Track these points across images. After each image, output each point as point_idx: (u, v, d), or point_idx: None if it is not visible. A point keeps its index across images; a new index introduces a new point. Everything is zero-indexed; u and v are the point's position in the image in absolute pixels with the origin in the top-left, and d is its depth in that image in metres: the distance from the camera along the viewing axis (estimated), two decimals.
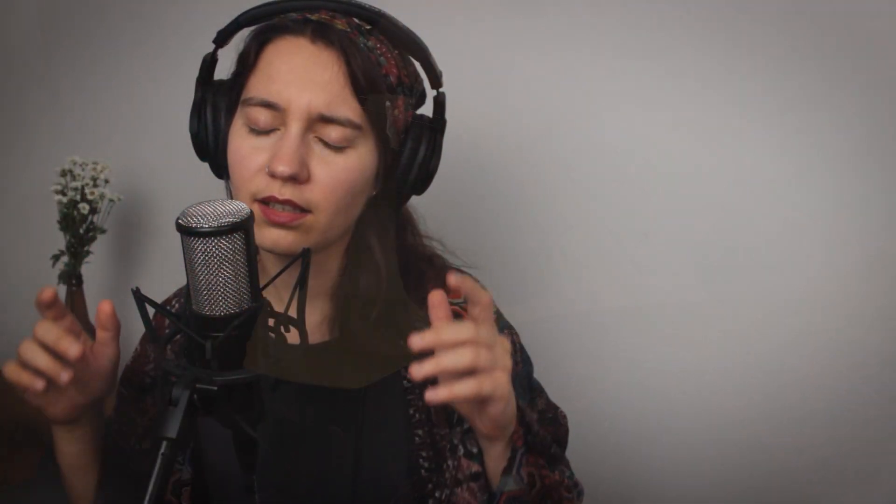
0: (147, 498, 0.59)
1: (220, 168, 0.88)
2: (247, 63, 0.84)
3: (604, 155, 1.36)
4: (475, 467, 0.84)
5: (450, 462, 0.86)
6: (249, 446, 0.70)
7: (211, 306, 0.63)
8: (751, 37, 1.24)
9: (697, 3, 1.27)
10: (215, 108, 0.87)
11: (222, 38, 0.87)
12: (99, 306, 0.77)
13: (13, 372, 0.75)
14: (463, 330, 0.72)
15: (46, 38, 1.77)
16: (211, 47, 0.89)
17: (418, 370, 0.69)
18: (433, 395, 0.71)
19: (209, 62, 0.88)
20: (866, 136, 1.21)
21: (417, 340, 0.70)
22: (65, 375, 0.73)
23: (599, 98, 1.35)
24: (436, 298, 0.75)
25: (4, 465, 1.50)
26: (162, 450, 0.61)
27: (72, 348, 0.73)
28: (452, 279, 0.74)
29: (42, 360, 0.74)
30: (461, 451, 0.86)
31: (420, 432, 0.90)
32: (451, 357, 0.70)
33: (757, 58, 1.24)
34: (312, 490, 0.90)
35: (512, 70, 1.39)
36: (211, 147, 0.88)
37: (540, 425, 0.88)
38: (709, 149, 1.30)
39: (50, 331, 0.74)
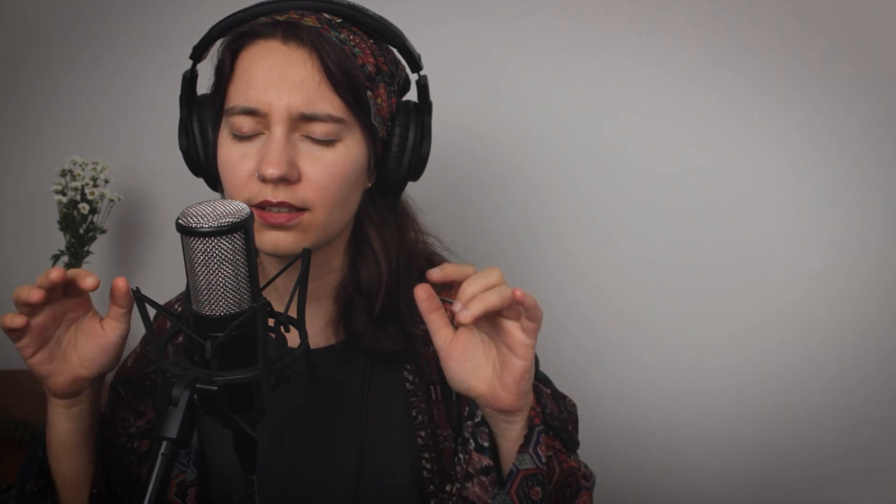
0: (147, 498, 0.59)
1: (215, 181, 0.88)
2: (223, 73, 0.84)
3: (605, 155, 1.37)
4: (486, 461, 0.84)
5: (461, 455, 0.86)
6: (249, 446, 0.70)
7: (211, 306, 0.63)
8: (748, 38, 1.24)
9: (694, 5, 1.27)
10: (201, 122, 0.87)
11: (198, 53, 0.87)
12: (114, 283, 0.79)
13: (2, 319, 0.77)
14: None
15: (46, 38, 1.77)
16: None
17: (463, 300, 0.72)
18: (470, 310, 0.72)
19: (189, 78, 0.88)
20: (865, 137, 1.21)
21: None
22: (34, 293, 0.75)
23: (597, 98, 1.36)
24: (423, 293, 0.77)
25: (4, 465, 1.50)
26: (162, 450, 0.61)
27: (53, 272, 0.75)
28: (434, 275, 0.76)
29: (20, 290, 0.75)
30: (472, 444, 0.85)
31: (422, 434, 0.90)
32: (480, 277, 0.74)
33: (754, 58, 1.25)
34: (314, 491, 0.90)
35: (507, 71, 1.39)
36: (203, 162, 0.88)
37: (553, 402, 0.89)
38: (708, 149, 1.30)
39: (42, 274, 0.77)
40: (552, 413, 0.86)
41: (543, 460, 0.81)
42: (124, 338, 0.83)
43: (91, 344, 0.81)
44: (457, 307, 0.73)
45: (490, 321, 0.77)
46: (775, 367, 1.30)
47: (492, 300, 0.72)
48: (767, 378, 1.31)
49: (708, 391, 1.35)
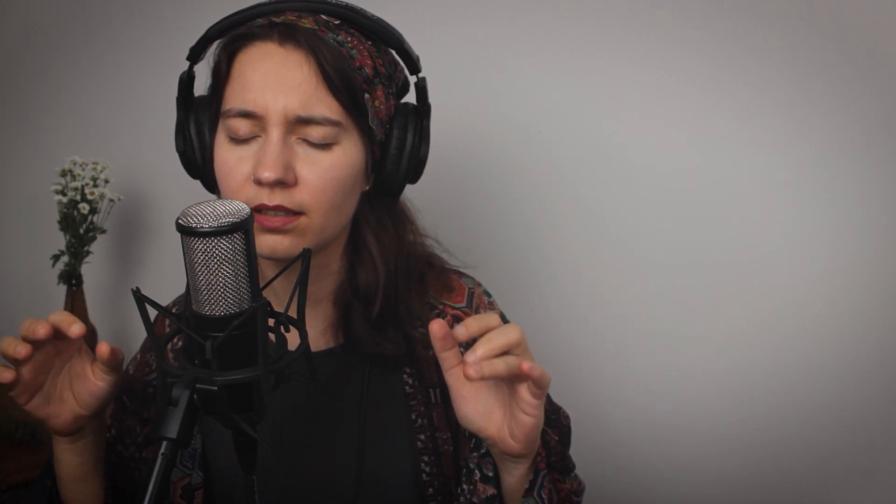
0: (147, 498, 0.59)
1: (212, 183, 0.88)
2: (220, 75, 0.84)
3: (604, 155, 1.36)
4: (491, 491, 0.84)
5: (465, 486, 0.86)
6: (249, 446, 0.70)
7: (211, 306, 0.63)
8: (748, 38, 1.24)
9: (694, 5, 1.27)
10: (198, 125, 0.87)
11: (195, 55, 0.87)
12: (97, 350, 0.77)
13: None
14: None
15: (46, 38, 1.78)
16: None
17: (475, 359, 0.71)
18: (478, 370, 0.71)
19: (186, 80, 0.88)
20: (865, 137, 1.21)
21: (470, 358, 0.71)
22: (21, 349, 0.74)
23: (597, 98, 1.35)
24: (438, 330, 0.75)
25: (4, 465, 1.50)
26: (162, 450, 0.61)
27: (41, 329, 0.73)
28: (461, 335, 0.73)
29: (6, 343, 0.74)
30: (477, 475, 0.85)
31: (422, 437, 0.90)
32: (499, 335, 0.73)
33: (754, 58, 1.25)
34: (314, 492, 0.90)
35: (507, 71, 1.39)
36: (199, 164, 0.88)
37: (560, 445, 0.89)
38: (707, 148, 1.30)
39: (27, 323, 0.75)
40: (556, 455, 0.86)
41: (546, 501, 0.81)
42: (115, 386, 0.81)
43: (82, 388, 0.80)
44: (469, 358, 0.71)
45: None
46: (775, 367, 1.30)
47: (499, 369, 0.71)
48: (767, 379, 1.31)
49: (706, 392, 1.35)
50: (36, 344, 0.75)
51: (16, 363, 0.76)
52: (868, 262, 1.23)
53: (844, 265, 1.24)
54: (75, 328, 0.74)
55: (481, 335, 0.73)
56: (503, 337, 0.72)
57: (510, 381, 0.75)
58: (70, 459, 0.85)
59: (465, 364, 0.71)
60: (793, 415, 1.30)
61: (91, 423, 0.84)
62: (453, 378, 0.77)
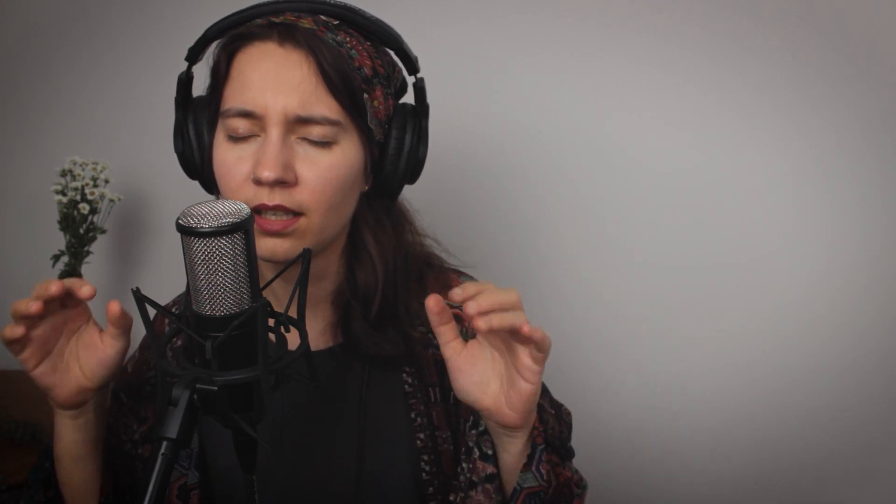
0: (147, 498, 0.59)
1: (211, 184, 0.88)
2: (219, 75, 0.84)
3: (604, 155, 1.37)
4: (490, 469, 0.84)
5: (464, 465, 0.86)
6: (249, 446, 0.70)
7: (211, 306, 0.63)
8: (748, 38, 1.24)
9: (694, 5, 1.27)
10: (197, 125, 0.87)
11: (194, 55, 0.87)
12: (108, 307, 0.78)
13: (2, 331, 0.77)
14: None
15: (46, 38, 1.77)
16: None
17: (477, 309, 0.70)
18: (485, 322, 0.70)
19: (184, 80, 0.88)
20: (865, 136, 1.21)
21: (472, 307, 0.70)
22: (33, 305, 0.74)
23: (597, 98, 1.36)
24: (434, 304, 0.75)
25: (4, 465, 1.50)
26: (162, 450, 0.61)
27: (53, 286, 0.74)
28: (456, 296, 0.73)
29: (19, 302, 0.75)
30: (476, 453, 0.85)
31: (422, 436, 0.90)
32: (498, 292, 0.72)
33: (754, 58, 1.25)
34: (314, 492, 0.90)
35: (507, 71, 1.39)
36: (198, 164, 0.88)
37: (556, 420, 0.89)
38: (707, 148, 1.30)
39: (40, 284, 0.76)
40: (554, 431, 0.86)
41: (545, 477, 0.81)
42: (123, 353, 0.82)
43: (91, 356, 0.81)
44: (471, 307, 0.71)
45: (502, 340, 0.77)
46: (775, 367, 1.30)
47: (507, 321, 0.71)
48: (767, 379, 1.31)
49: (707, 392, 1.35)
50: (48, 303, 0.75)
51: (27, 322, 0.76)
52: (868, 262, 1.23)
53: (844, 265, 1.24)
54: (86, 290, 0.75)
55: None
56: (502, 294, 0.73)
57: (510, 346, 0.75)
58: (71, 437, 0.85)
59: (475, 317, 0.70)
60: (793, 415, 1.30)
61: (94, 398, 0.84)
62: (450, 352, 0.77)
